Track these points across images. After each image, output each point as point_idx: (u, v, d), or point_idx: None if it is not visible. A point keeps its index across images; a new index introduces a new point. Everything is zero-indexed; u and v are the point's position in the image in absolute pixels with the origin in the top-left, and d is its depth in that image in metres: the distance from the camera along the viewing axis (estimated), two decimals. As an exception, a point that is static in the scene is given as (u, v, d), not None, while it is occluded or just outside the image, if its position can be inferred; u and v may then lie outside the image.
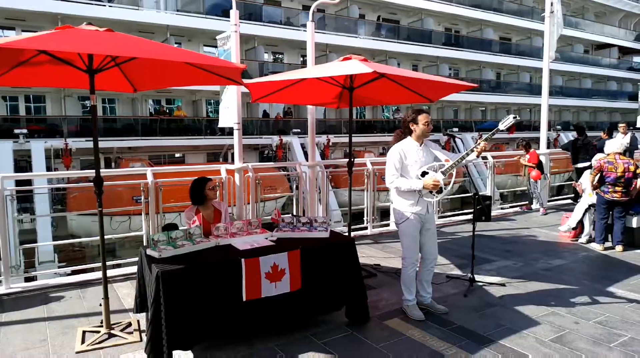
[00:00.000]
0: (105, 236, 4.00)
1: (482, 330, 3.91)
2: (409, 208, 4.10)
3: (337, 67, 4.39)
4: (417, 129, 4.09)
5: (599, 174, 6.47)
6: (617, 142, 6.64)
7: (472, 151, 4.00)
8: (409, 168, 4.08)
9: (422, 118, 4.07)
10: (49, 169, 16.50)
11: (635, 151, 10.32)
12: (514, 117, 3.91)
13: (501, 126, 3.96)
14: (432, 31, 28.79)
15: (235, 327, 3.50)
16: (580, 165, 9.66)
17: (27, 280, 5.59)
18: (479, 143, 3.98)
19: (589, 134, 10.60)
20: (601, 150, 9.47)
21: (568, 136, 26.55)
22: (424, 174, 4.02)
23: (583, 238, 6.92)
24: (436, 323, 4.05)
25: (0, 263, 4.87)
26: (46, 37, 2.91)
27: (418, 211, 4.10)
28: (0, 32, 18.44)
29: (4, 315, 4.30)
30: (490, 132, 3.98)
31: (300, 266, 3.70)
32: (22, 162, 17.36)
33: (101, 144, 17.43)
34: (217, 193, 4.47)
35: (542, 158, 9.62)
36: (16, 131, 16.89)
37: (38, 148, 16.61)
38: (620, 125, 10.45)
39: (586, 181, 7.03)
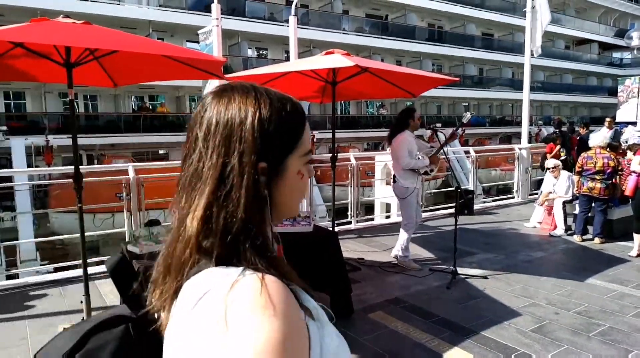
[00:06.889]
0: (87, 234, 3.94)
1: (465, 322, 3.95)
2: (411, 184, 5.26)
3: (320, 61, 4.39)
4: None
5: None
6: (601, 135, 6.70)
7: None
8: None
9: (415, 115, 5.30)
10: (29, 166, 16.22)
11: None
12: (471, 114, 5.28)
13: (464, 120, 5.25)
14: (415, 27, 28.87)
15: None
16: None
17: (9, 278, 5.50)
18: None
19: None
20: (587, 143, 9.63)
21: (549, 131, 26.87)
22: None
23: (557, 231, 6.98)
24: (419, 316, 4.08)
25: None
26: (21, 29, 2.85)
27: (417, 186, 5.33)
28: (-23, 27, 18.04)
29: (-17, 313, 4.23)
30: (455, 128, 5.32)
31: (283, 261, 3.69)
32: (2, 160, 17.06)
33: (83, 141, 17.48)
34: None
35: (524, 152, 9.73)
36: (-5, 128, 16.64)
37: (18, 144, 16.33)
38: (607, 119, 10.55)
39: (548, 183, 7.21)
